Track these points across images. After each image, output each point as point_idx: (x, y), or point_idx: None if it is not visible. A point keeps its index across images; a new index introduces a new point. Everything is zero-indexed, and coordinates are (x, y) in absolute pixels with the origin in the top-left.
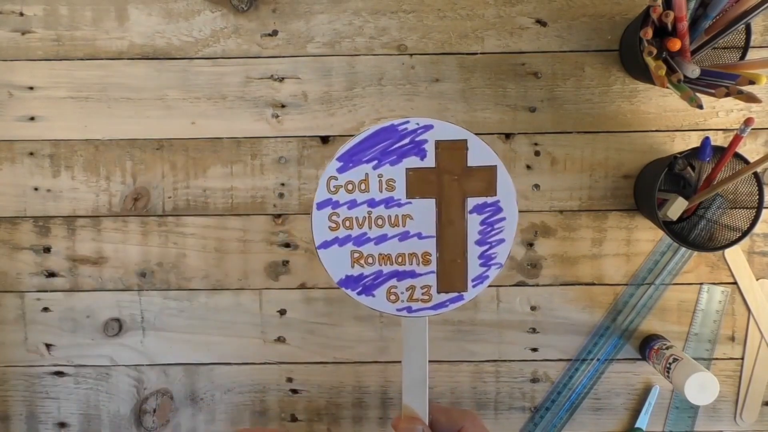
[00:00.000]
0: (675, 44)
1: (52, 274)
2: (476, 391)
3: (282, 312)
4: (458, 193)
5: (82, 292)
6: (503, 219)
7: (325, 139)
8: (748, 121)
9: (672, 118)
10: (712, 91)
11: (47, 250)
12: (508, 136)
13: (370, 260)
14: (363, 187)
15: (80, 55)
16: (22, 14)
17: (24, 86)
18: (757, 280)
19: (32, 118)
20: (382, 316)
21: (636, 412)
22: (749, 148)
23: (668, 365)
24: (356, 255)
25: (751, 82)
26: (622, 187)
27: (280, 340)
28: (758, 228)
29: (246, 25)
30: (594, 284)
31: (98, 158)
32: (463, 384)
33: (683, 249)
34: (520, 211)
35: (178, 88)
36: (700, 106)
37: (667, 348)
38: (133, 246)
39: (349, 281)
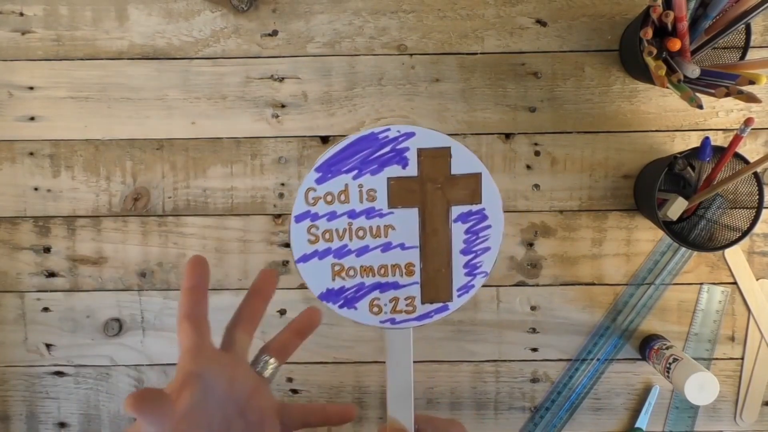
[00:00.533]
0: (675, 44)
1: (52, 274)
2: (476, 391)
3: (282, 312)
4: (442, 202)
5: (82, 292)
6: (489, 227)
7: (325, 139)
8: (748, 121)
9: (672, 118)
10: (712, 91)
11: (47, 250)
12: (508, 136)
13: (351, 273)
14: (343, 198)
15: (80, 55)
16: (22, 14)
17: (24, 86)
18: (757, 280)
19: (32, 118)
20: None
21: (636, 412)
22: (749, 148)
23: (668, 365)
24: (337, 268)
25: (751, 82)
26: (622, 187)
27: None
28: (758, 228)
29: (246, 25)
30: (594, 284)
31: (98, 158)
32: (463, 384)
33: (683, 249)
34: (520, 211)
35: (178, 88)
36: (700, 106)
37: (667, 348)
38: (133, 246)
39: (330, 294)
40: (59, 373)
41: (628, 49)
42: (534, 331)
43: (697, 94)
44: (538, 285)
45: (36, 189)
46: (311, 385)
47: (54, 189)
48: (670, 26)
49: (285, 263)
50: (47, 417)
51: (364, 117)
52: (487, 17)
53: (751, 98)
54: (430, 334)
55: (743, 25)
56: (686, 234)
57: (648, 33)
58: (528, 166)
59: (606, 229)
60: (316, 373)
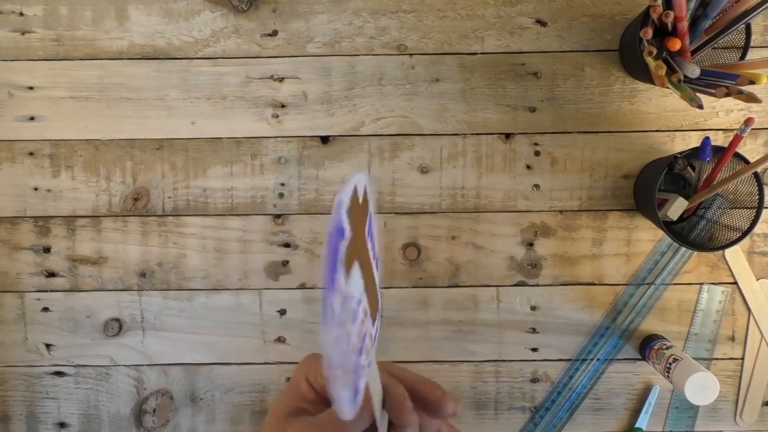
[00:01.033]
0: (675, 44)
1: (52, 274)
2: (476, 391)
3: (282, 312)
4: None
5: (82, 292)
6: None
7: (325, 139)
8: (748, 121)
9: (672, 118)
10: (712, 91)
11: (47, 250)
12: (508, 136)
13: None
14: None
15: (80, 55)
16: (22, 14)
17: (24, 86)
18: (757, 280)
19: (32, 118)
20: (382, 316)
21: (636, 412)
22: (749, 148)
23: (668, 365)
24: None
25: (751, 82)
26: (622, 187)
27: (280, 340)
28: (758, 228)
29: (246, 25)
30: (594, 284)
31: (98, 158)
32: (463, 384)
33: (683, 249)
34: (520, 211)
35: (178, 88)
36: (700, 106)
37: (667, 348)
38: (133, 246)
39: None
40: (59, 373)
41: (628, 49)
42: (534, 331)
43: (697, 94)
44: (538, 285)
45: (36, 189)
46: None
47: (54, 189)
48: (670, 26)
49: (285, 263)
50: (47, 417)
51: (364, 117)
52: (487, 17)
53: (751, 98)
54: (430, 334)
55: (743, 25)
56: (686, 234)
57: (648, 33)
58: (528, 166)
59: (606, 229)
60: None
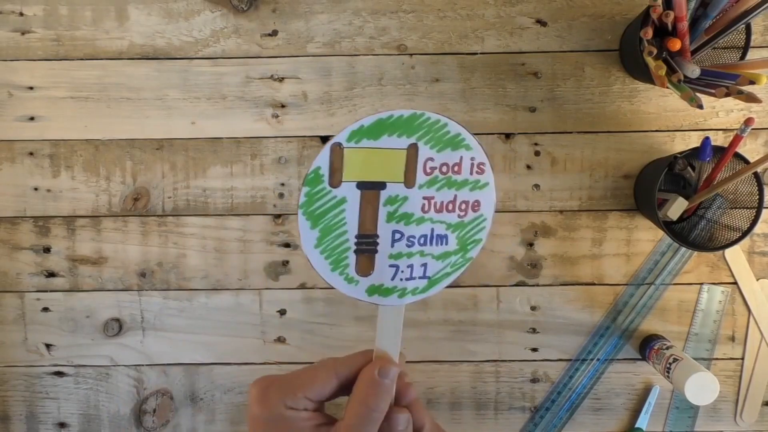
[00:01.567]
0: (675, 44)
1: (52, 274)
2: (476, 391)
3: (282, 312)
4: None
5: (82, 292)
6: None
7: (325, 139)
8: (748, 121)
9: (672, 118)
10: (712, 91)
11: (47, 250)
12: (508, 136)
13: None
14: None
15: (80, 55)
16: (22, 14)
17: (24, 86)
18: (757, 280)
19: (32, 118)
20: None
21: (636, 412)
22: (749, 148)
23: (668, 365)
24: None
25: (751, 82)
26: (622, 187)
27: (280, 340)
28: (758, 228)
29: (246, 25)
30: (594, 284)
31: (98, 158)
32: (463, 384)
33: (683, 249)
34: (520, 211)
35: (178, 88)
36: (700, 106)
37: (667, 348)
38: (133, 246)
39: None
40: (59, 373)
41: (628, 49)
42: (534, 331)
43: (697, 94)
44: (538, 285)
45: (36, 189)
46: None
47: (54, 189)
48: (670, 26)
49: (285, 263)
50: (47, 417)
51: (364, 117)
52: (487, 17)
53: (751, 98)
54: (431, 335)
55: (743, 25)
56: (686, 234)
57: (648, 33)
58: (528, 166)
59: (606, 229)
60: None
